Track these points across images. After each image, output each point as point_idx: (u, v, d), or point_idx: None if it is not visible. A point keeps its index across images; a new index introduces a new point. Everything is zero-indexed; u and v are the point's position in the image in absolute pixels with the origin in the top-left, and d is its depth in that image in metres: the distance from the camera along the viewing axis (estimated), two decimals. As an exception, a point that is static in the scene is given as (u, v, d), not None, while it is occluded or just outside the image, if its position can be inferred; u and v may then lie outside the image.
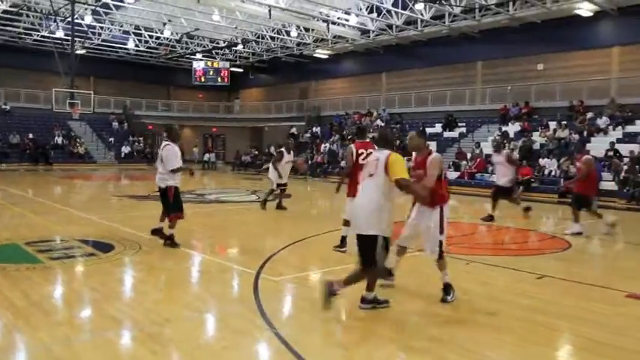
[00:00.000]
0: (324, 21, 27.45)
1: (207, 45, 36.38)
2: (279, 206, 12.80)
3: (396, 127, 30.15)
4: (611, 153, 19.39)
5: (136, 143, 36.00)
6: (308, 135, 34.14)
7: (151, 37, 33.98)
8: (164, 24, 31.00)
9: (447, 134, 27.18)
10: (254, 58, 38.75)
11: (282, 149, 13.08)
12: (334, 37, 30.73)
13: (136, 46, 35.09)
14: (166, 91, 43.26)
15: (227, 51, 38.08)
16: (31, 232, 8.90)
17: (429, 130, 27.90)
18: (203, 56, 38.61)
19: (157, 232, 7.97)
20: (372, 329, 4.72)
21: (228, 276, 6.66)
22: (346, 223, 7.61)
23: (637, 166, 18.14)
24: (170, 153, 7.64)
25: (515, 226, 11.47)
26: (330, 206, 15.58)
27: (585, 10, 22.36)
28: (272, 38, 32.97)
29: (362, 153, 7.44)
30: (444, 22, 26.35)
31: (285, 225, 10.95)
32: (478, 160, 22.18)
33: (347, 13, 27.26)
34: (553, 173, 19.80)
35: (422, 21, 26.81)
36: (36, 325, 4.55)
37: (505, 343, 4.43)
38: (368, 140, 8.00)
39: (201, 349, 4.22)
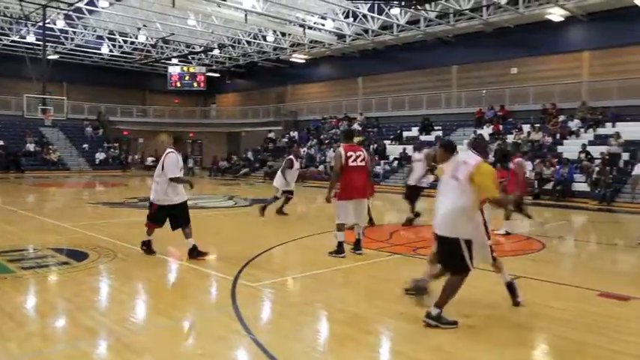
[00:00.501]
0: (300, 25, 27.51)
1: (183, 50, 36.11)
2: (280, 211, 12.51)
3: (372, 130, 30.34)
4: (582, 155, 19.79)
5: (111, 150, 35.50)
6: (285, 140, 34.12)
7: (125, 42, 33.62)
8: (139, 29, 30.72)
9: (423, 137, 27.33)
10: (230, 63, 38.63)
11: (292, 157, 12.72)
12: (311, 41, 30.82)
13: (110, 51, 34.69)
14: (142, 96, 42.82)
15: (203, 56, 37.86)
16: (3, 242, 8.69)
17: (405, 133, 28.17)
18: (179, 61, 38.33)
19: (191, 251, 7.48)
20: (350, 334, 4.72)
21: (205, 283, 6.60)
22: (340, 227, 7.62)
23: (608, 168, 18.55)
24: (171, 161, 7.28)
25: (492, 229, 11.58)
26: (308, 211, 15.58)
27: (556, 15, 22.84)
28: (248, 43, 32.91)
29: (351, 156, 7.45)
30: (420, 27, 26.67)
31: (263, 230, 10.90)
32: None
33: (323, 17, 27.38)
34: (527, 175, 20.05)
35: (397, 26, 27.07)
36: (7, 336, 4.43)
37: (482, 344, 4.46)
38: (355, 143, 8.00)
39: (178, 357, 4.17)
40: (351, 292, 6.09)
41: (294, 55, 33.86)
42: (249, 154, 34.72)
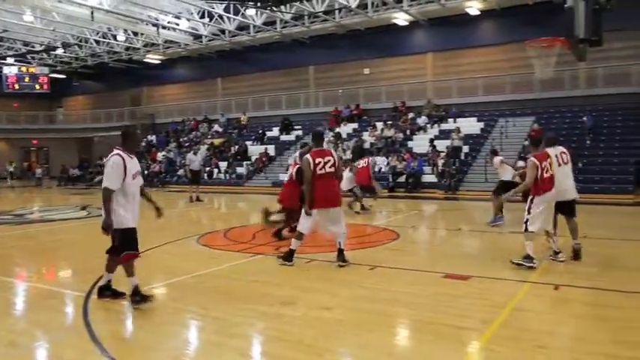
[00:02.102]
0: (153, 25, 26.41)
1: (20, 48, 32.73)
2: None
3: (234, 132, 30.13)
4: (430, 148, 21.48)
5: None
6: (142, 144, 32.55)
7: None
8: (-37, 24, 27.26)
9: (284, 137, 27.84)
10: (77, 64, 35.87)
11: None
12: (165, 41, 29.77)
13: None
14: (-27, 100, 38.07)
15: (45, 55, 34.65)
16: None
17: (267, 134, 28.36)
18: (15, 61, 34.69)
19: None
20: (214, 340, 4.63)
21: (55, 302, 6.03)
22: (300, 236, 7.15)
23: (452, 160, 20.34)
24: (112, 166, 5.46)
25: (353, 222, 12.11)
26: (170, 216, 15.01)
27: (401, 19, 24.54)
28: (97, 42, 30.83)
29: (319, 163, 6.91)
30: (276, 28, 27.01)
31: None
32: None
33: (177, 17, 26.55)
34: (383, 169, 21.32)
35: (254, 27, 27.15)
36: None
37: (343, 334, 4.63)
38: (325, 147, 7.38)
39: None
40: (214, 296, 5.97)
41: (148, 56, 32.43)
42: (104, 161, 32.58)
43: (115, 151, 5.47)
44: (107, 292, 5.73)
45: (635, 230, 10.56)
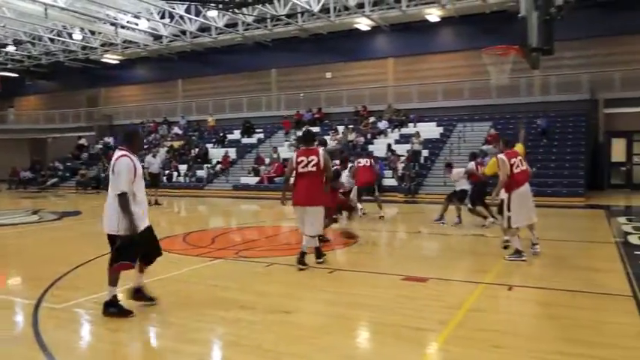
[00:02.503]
0: (111, 24, 25.84)
1: (-33, 45, 31.49)
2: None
3: (194, 134, 29.75)
4: (389, 153, 21.73)
5: None
6: (99, 146, 31.78)
7: None
8: None
9: (245, 140, 27.67)
10: (30, 62, 34.71)
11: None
12: (124, 41, 29.18)
13: None
14: None
15: (-5, 53, 33.44)
16: None
17: (228, 136, 28.12)
18: (-37, 58, 33.35)
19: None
20: (172, 347, 4.54)
21: (3, 311, 5.79)
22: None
23: (412, 164, 20.63)
24: (122, 168, 5.18)
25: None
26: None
27: (363, 24, 24.80)
28: (51, 40, 29.91)
29: (302, 161, 7.05)
30: (238, 30, 26.83)
31: (73, 246, 9.96)
32: (276, 164, 23.00)
33: (137, 17, 26.04)
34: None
35: (216, 28, 26.90)
36: None
37: (302, 338, 4.61)
38: (314, 146, 7.39)
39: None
40: (172, 301, 5.85)
41: (106, 56, 31.70)
42: (58, 163, 31.59)
43: (121, 152, 5.12)
44: (112, 308, 5.14)
45: (585, 232, 10.96)
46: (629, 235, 9.83)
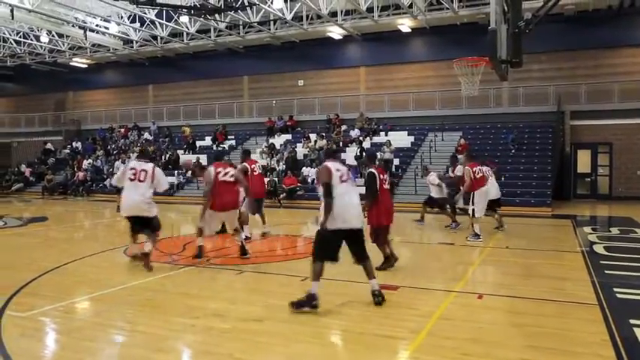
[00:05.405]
0: (80, 27, 25.37)
1: None
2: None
3: (165, 140, 29.38)
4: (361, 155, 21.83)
5: None
6: (67, 151, 31.10)
7: None
8: None
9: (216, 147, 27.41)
10: (-5, 65, 33.79)
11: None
12: (93, 45, 28.69)
13: None
14: None
15: (-43, 54, 32.45)
16: None
17: (199, 143, 27.86)
18: None
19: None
20: (140, 355, 4.46)
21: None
22: (199, 232, 8.28)
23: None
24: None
25: (286, 234, 12.09)
26: (95, 227, 14.40)
27: (336, 33, 24.95)
28: (17, 42, 29.16)
29: (220, 172, 8.07)
30: (210, 37, 26.69)
31: (38, 253, 9.70)
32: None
33: (107, 20, 25.62)
34: (315, 181, 21.41)
35: (187, 34, 26.69)
36: None
37: (273, 346, 4.60)
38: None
39: None
40: (141, 309, 5.76)
41: (74, 59, 31.08)
42: (23, 168, 30.74)
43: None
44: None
45: (551, 241, 11.20)
46: (594, 244, 10.08)
